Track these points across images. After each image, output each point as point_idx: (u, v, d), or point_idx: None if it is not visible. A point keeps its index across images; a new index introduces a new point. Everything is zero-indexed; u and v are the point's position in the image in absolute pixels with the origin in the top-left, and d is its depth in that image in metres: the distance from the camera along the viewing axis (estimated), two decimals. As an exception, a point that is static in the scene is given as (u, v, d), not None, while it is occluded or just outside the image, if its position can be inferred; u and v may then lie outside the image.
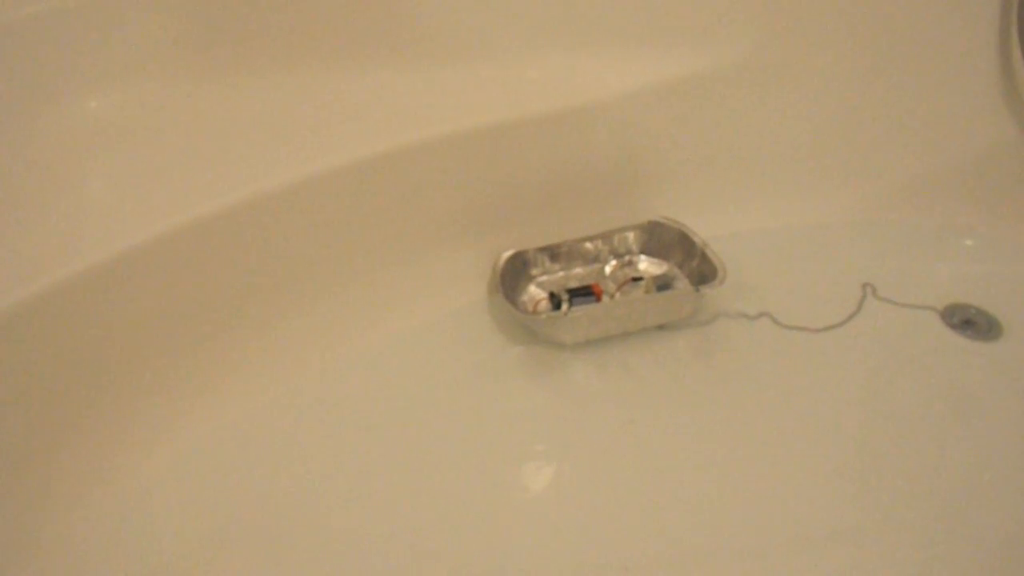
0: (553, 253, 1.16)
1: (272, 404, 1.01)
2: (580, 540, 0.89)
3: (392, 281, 1.12)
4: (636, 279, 1.14)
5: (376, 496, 0.93)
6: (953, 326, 1.11)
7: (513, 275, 1.14)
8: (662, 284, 1.13)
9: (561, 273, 1.17)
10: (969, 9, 1.18)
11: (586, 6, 1.18)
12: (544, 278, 1.17)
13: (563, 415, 1.02)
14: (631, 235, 1.18)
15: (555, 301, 1.10)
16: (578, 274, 1.17)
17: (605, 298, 1.12)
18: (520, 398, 1.04)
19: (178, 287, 0.94)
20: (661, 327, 1.11)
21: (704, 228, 1.16)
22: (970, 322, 1.12)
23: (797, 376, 1.05)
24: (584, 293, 1.11)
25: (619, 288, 1.14)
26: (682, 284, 1.15)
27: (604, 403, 1.03)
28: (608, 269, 1.18)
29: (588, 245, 1.18)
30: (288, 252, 1.03)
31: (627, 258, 1.19)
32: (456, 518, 0.91)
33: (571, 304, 1.09)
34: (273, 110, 1.11)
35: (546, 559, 0.88)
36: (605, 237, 1.18)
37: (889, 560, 0.87)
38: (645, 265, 1.18)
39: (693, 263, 1.15)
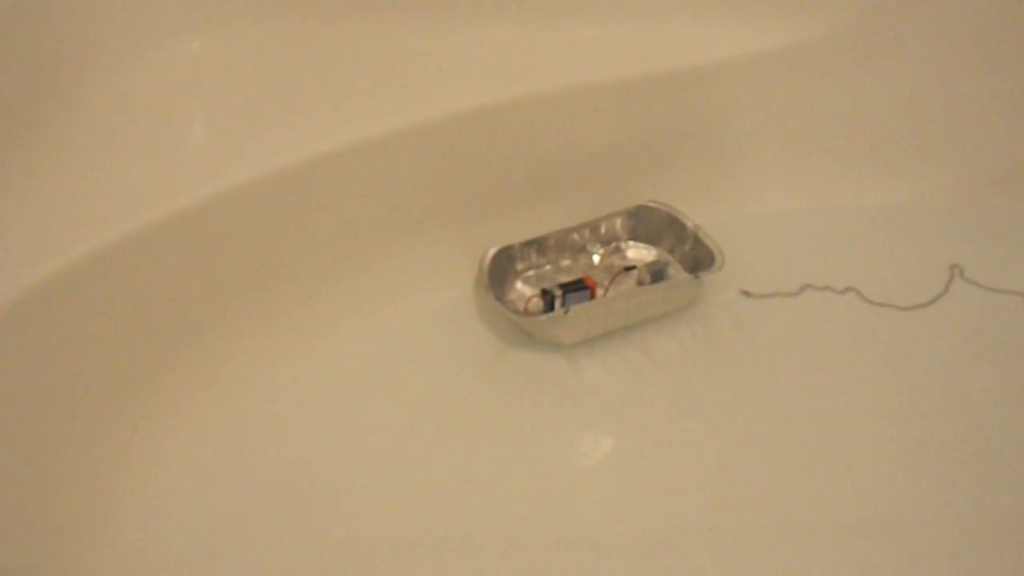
0: (540, 246, 1.10)
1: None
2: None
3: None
4: (628, 268, 1.09)
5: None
6: (1041, 314, 1.07)
7: (499, 272, 1.07)
8: (655, 271, 1.08)
9: (548, 267, 1.11)
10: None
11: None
12: (531, 273, 1.10)
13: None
14: (617, 221, 1.13)
15: (547, 298, 1.04)
16: (566, 266, 1.11)
17: (600, 291, 1.06)
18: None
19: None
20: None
21: (786, 202, 1.15)
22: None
23: (876, 353, 1.02)
24: (577, 287, 1.05)
25: (612, 279, 1.08)
26: (675, 270, 1.10)
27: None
28: (596, 258, 1.12)
29: (575, 235, 1.11)
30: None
31: (614, 245, 1.13)
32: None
33: (565, 300, 1.03)
34: (362, 60, 1.09)
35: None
36: (592, 226, 1.12)
37: (942, 554, 0.84)
38: (634, 252, 1.13)
39: (685, 247, 1.10)
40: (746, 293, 1.09)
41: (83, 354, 0.86)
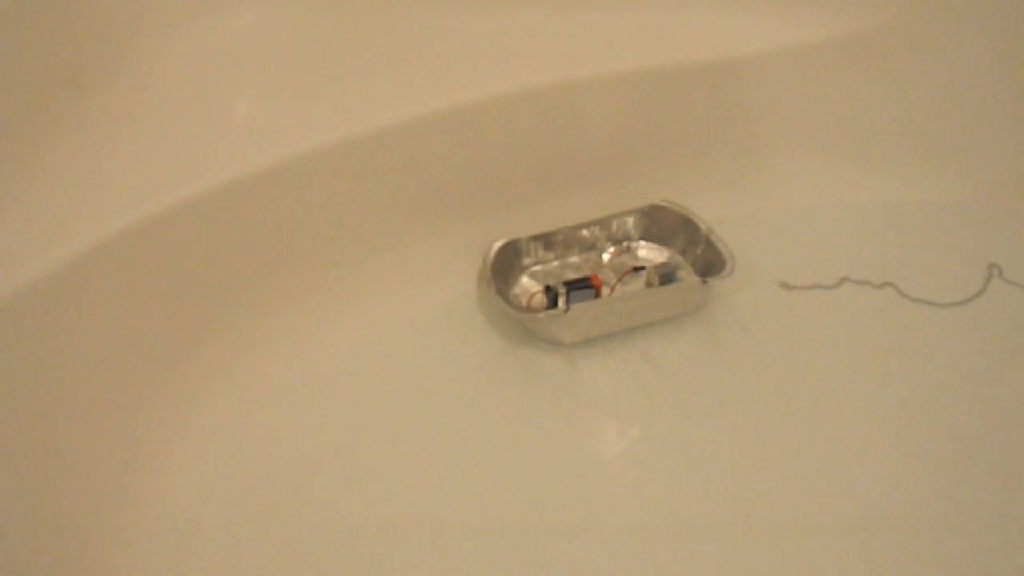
0: (548, 241, 1.08)
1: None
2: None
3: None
4: (637, 269, 1.06)
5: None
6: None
7: (505, 266, 1.05)
8: (664, 273, 1.05)
9: (556, 263, 1.09)
10: None
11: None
12: (537, 268, 1.08)
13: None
14: (630, 220, 1.10)
15: (551, 295, 1.02)
16: (574, 263, 1.09)
17: (605, 290, 1.03)
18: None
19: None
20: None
21: (824, 197, 1.14)
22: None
23: (910, 349, 1.01)
24: (582, 286, 1.02)
25: (619, 279, 1.06)
26: (686, 273, 1.07)
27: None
28: (606, 257, 1.09)
29: (585, 232, 1.09)
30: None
31: (625, 244, 1.10)
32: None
33: (568, 298, 1.01)
34: (410, 42, 1.10)
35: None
36: (604, 224, 1.09)
37: (965, 554, 0.83)
38: (645, 252, 1.10)
39: (697, 250, 1.07)
40: (785, 285, 1.07)
41: (120, 325, 0.87)
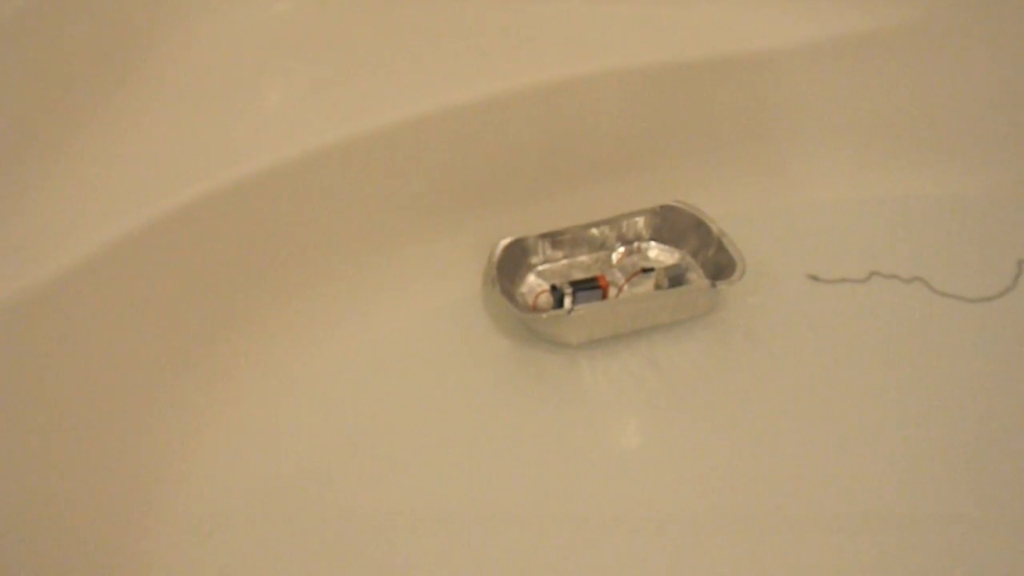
0: (555, 240, 1.06)
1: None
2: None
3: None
4: (646, 270, 1.04)
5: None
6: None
7: (511, 264, 1.04)
8: (674, 275, 1.03)
9: (564, 261, 1.07)
10: None
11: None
12: (545, 266, 1.06)
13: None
14: (640, 220, 1.08)
15: (557, 294, 1.00)
16: (582, 263, 1.07)
17: (612, 291, 1.02)
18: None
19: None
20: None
21: (853, 191, 1.14)
22: None
23: (938, 343, 1.00)
24: (589, 286, 1.01)
25: (628, 280, 1.04)
26: (696, 276, 1.05)
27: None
28: (615, 257, 1.07)
29: (594, 231, 1.07)
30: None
31: (636, 245, 1.09)
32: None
33: (574, 298, 0.99)
34: (435, 32, 1.09)
35: None
36: (614, 223, 1.07)
37: (988, 551, 0.82)
38: (656, 253, 1.08)
39: (708, 252, 1.05)
40: (814, 278, 1.06)
41: (150, 314, 0.87)
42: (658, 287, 1.03)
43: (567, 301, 0.99)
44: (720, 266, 1.03)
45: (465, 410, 0.95)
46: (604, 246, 1.08)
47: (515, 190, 1.08)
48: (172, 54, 1.01)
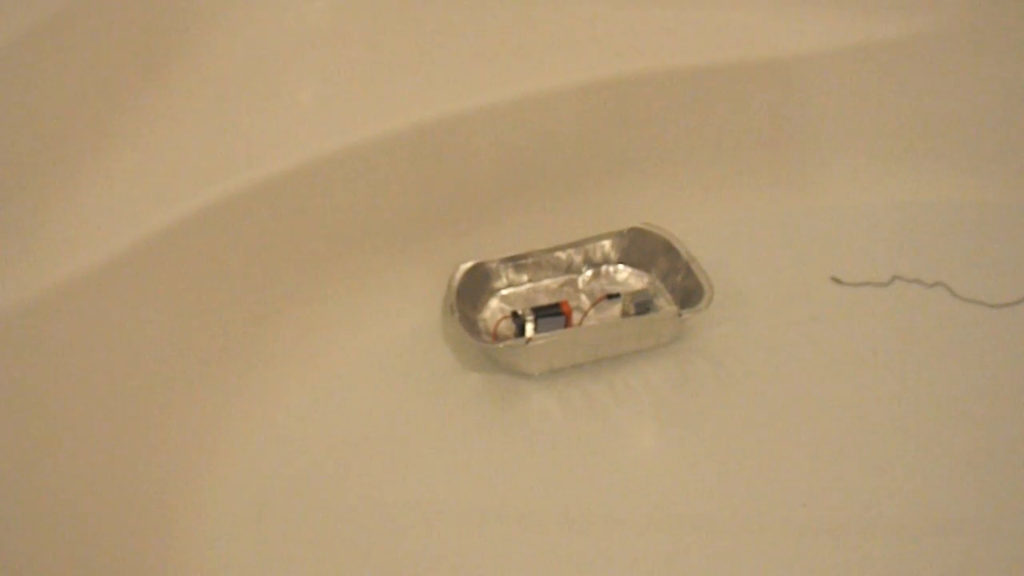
0: (518, 264, 1.03)
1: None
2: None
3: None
4: (612, 296, 1.01)
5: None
6: None
7: (474, 289, 1.01)
8: (641, 302, 0.99)
9: (529, 285, 1.04)
10: None
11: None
12: (509, 291, 1.03)
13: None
14: (607, 243, 1.05)
15: (519, 322, 0.97)
16: (547, 286, 1.04)
17: (577, 316, 0.99)
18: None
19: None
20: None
21: (876, 196, 1.14)
22: None
23: (959, 348, 1.00)
24: (551, 312, 0.98)
25: (593, 305, 1.01)
26: (665, 301, 1.01)
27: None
28: (582, 281, 1.04)
29: (560, 254, 1.04)
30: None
31: (604, 268, 1.05)
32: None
33: (536, 325, 0.96)
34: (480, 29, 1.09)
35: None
36: (579, 246, 1.04)
37: (1007, 559, 0.82)
38: (625, 276, 1.05)
39: (677, 278, 1.02)
40: (836, 280, 1.05)
41: (194, 301, 0.88)
42: (625, 313, 0.99)
43: (528, 328, 0.96)
44: (688, 291, 1.00)
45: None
46: (570, 269, 1.05)
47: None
48: (214, 49, 1.02)
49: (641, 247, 1.04)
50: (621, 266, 1.05)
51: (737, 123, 1.13)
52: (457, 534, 0.85)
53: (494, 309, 1.02)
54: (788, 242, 1.09)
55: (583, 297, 1.03)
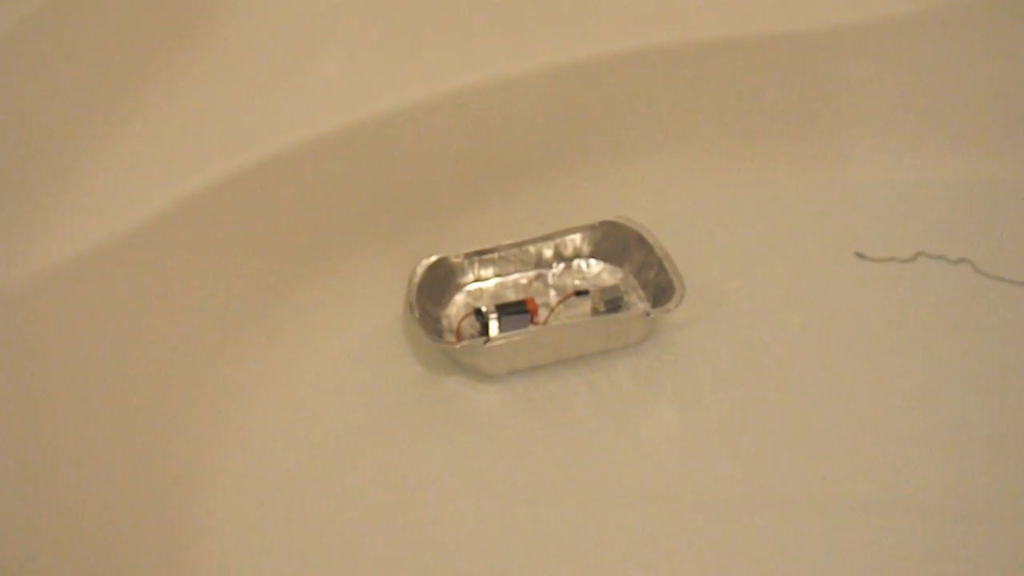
0: (483, 258, 0.99)
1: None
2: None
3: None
4: (580, 293, 0.97)
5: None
6: None
7: (438, 284, 0.97)
8: (611, 299, 0.95)
9: (497, 280, 1.00)
10: None
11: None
12: (475, 286, 0.99)
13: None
14: (578, 237, 1.00)
15: (482, 320, 0.94)
16: (516, 281, 1.00)
17: (543, 313, 0.95)
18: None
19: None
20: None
21: (901, 172, 1.14)
22: None
23: (982, 325, 1.00)
24: (516, 310, 0.94)
25: (561, 302, 0.97)
26: (636, 298, 0.97)
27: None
28: (551, 276, 1.00)
29: (530, 248, 1.00)
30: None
31: (575, 263, 1.01)
32: None
33: (501, 323, 0.92)
34: None
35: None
36: (548, 239, 1.00)
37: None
38: (597, 271, 1.01)
39: (650, 274, 0.97)
40: (860, 256, 1.05)
41: (217, 268, 0.88)
42: (595, 311, 0.95)
43: (493, 326, 0.93)
44: (661, 287, 0.95)
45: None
46: (540, 264, 1.01)
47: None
48: (244, 19, 1.00)
49: (614, 241, 1.00)
50: (593, 261, 1.01)
51: (743, 101, 1.10)
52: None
53: (460, 305, 0.98)
54: (808, 218, 1.10)
55: (553, 293, 0.99)
